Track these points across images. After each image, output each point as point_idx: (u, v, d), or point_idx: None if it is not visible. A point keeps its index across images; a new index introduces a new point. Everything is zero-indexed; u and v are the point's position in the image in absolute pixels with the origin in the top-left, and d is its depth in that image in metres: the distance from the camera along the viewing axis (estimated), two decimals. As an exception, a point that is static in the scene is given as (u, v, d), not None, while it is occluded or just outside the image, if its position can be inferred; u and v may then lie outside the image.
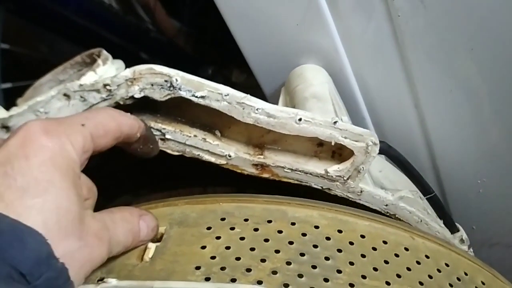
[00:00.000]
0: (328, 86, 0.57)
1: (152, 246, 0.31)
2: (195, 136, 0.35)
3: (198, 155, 0.36)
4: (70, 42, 1.00)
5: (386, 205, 0.39)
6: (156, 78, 0.32)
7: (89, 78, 0.33)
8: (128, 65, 0.35)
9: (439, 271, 0.32)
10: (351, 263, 0.30)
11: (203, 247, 0.30)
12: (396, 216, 0.39)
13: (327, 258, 0.30)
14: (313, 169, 0.37)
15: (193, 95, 0.33)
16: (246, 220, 0.32)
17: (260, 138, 0.37)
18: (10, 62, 0.99)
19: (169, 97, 0.33)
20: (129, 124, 0.30)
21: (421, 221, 0.41)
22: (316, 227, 0.32)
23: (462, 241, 0.47)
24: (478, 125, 0.60)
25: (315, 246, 0.31)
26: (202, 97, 0.33)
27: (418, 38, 0.54)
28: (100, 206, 0.31)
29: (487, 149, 0.62)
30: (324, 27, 0.57)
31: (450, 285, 0.31)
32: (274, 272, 0.29)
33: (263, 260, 0.29)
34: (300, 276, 0.29)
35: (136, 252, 0.31)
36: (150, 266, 0.30)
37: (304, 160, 0.37)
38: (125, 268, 0.30)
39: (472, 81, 0.56)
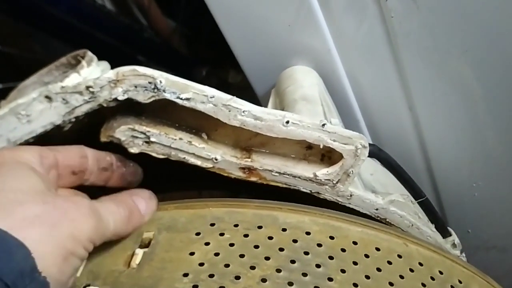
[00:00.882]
0: (318, 88, 0.57)
1: (139, 252, 0.30)
2: (180, 139, 0.34)
3: (184, 158, 0.35)
4: (63, 42, 0.99)
5: (377, 209, 0.38)
6: (139, 80, 0.32)
7: (72, 80, 0.32)
8: (121, 66, 0.34)
9: (432, 279, 0.32)
10: (343, 271, 0.30)
11: (192, 254, 0.30)
12: (387, 220, 0.39)
13: (318, 266, 0.30)
14: (301, 173, 0.36)
15: (178, 97, 0.32)
16: (236, 225, 0.32)
17: (247, 141, 0.36)
18: (2, 63, 0.98)
19: (153, 99, 0.32)
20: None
21: (412, 225, 0.40)
22: (308, 233, 0.32)
23: (454, 245, 0.47)
24: (473, 127, 0.60)
25: (306, 253, 0.30)
26: (187, 99, 0.32)
27: (412, 40, 0.54)
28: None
29: (482, 152, 0.62)
30: (316, 28, 0.57)
31: (444, 293, 0.31)
32: (264, 280, 0.28)
33: (252, 268, 0.29)
34: (290, 284, 0.28)
35: (123, 257, 0.30)
36: (137, 273, 0.29)
37: (292, 163, 0.37)
38: (111, 274, 0.29)
39: (467, 83, 0.56)
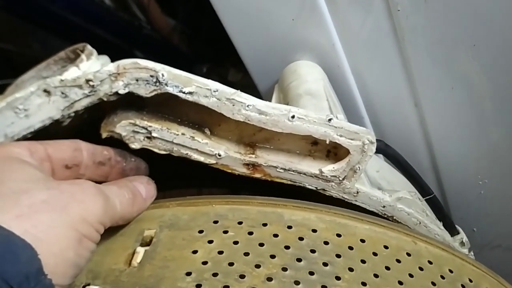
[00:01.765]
0: (323, 83, 0.57)
1: (140, 250, 0.30)
2: (183, 134, 0.34)
3: (186, 154, 0.35)
4: (61, 39, 0.99)
5: (384, 207, 0.38)
6: (141, 73, 0.31)
7: (71, 73, 0.32)
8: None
9: (442, 277, 0.31)
10: (351, 269, 0.29)
11: (195, 252, 0.29)
12: (394, 218, 0.39)
13: (325, 264, 0.29)
14: (307, 169, 0.36)
15: (180, 91, 0.32)
16: (240, 223, 0.31)
17: (251, 136, 0.36)
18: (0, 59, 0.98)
19: (155, 93, 0.32)
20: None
21: (419, 223, 0.40)
22: (314, 230, 0.31)
23: (462, 244, 0.47)
24: (480, 124, 0.60)
25: (313, 251, 0.30)
26: (190, 93, 0.32)
27: (418, 34, 0.54)
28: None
29: (488, 149, 0.62)
30: (320, 22, 0.57)
31: (455, 292, 0.31)
32: (269, 279, 0.28)
33: (257, 266, 0.29)
34: (297, 283, 0.28)
35: (123, 256, 0.30)
36: (138, 272, 0.29)
37: (297, 159, 0.36)
38: (111, 273, 0.29)
39: (474, 79, 0.55)
